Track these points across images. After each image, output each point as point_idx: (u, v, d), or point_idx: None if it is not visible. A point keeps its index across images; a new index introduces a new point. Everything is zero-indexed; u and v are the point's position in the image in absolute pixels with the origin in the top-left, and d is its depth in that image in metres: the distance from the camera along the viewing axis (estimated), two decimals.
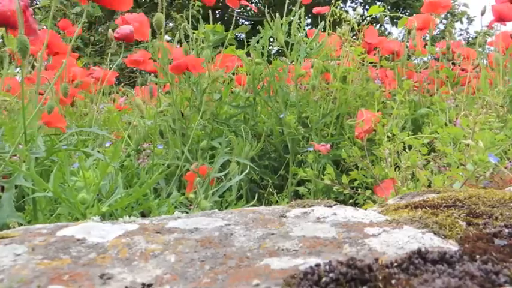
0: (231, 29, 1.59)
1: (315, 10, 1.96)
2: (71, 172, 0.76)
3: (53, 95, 1.46)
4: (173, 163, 1.34)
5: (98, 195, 0.78)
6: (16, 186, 0.86)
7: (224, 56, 1.74)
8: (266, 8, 1.67)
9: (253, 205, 0.99)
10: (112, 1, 0.96)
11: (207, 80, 1.43)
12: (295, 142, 1.52)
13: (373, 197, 1.09)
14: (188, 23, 1.52)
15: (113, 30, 1.45)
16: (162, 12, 1.31)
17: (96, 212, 0.70)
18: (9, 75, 1.63)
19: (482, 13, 1.81)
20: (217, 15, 8.48)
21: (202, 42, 1.54)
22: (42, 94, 1.32)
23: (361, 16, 1.86)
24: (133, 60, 1.80)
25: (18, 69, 1.93)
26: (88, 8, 1.02)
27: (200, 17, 1.55)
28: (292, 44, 1.60)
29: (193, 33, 1.53)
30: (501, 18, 1.78)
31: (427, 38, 2.03)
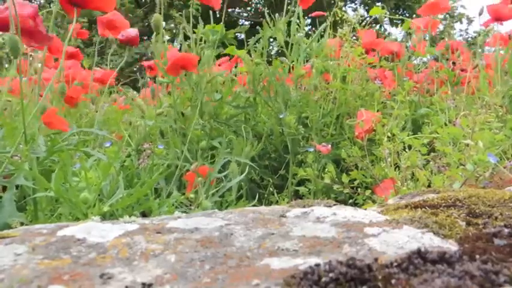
0: (230, 29, 1.59)
1: (314, 14, 1.97)
2: (73, 172, 0.76)
3: (56, 95, 1.46)
4: (173, 163, 1.34)
5: (99, 195, 0.78)
6: (17, 187, 0.86)
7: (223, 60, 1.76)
8: (266, 9, 1.67)
9: (254, 205, 0.99)
10: (95, 4, 0.95)
11: (207, 80, 1.43)
12: (295, 142, 1.52)
13: (373, 196, 1.09)
14: (188, 23, 1.52)
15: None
16: (161, 13, 1.32)
17: (98, 212, 0.70)
18: (9, 76, 1.63)
19: (480, 13, 1.81)
20: (217, 16, 8.48)
21: (202, 41, 1.54)
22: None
23: (361, 17, 1.86)
24: (148, 65, 1.85)
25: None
26: None
27: (199, 17, 1.55)
28: (292, 44, 1.60)
29: (194, 32, 1.53)
30: (498, 18, 1.78)
31: (427, 39, 2.03)
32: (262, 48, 1.59)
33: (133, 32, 1.33)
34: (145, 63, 1.94)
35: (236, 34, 1.65)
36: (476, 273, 0.33)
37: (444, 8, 1.96)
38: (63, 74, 1.67)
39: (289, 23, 1.60)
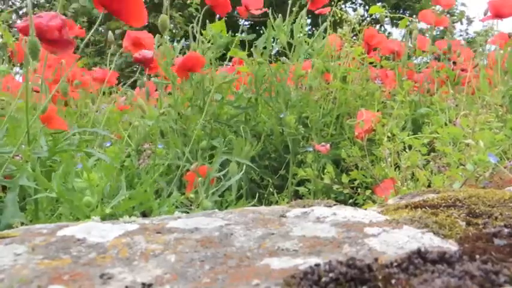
0: (231, 30, 1.59)
1: (318, 11, 1.96)
2: (74, 173, 0.76)
3: (47, 93, 1.46)
4: (174, 163, 1.34)
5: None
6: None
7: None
8: (267, 9, 1.67)
9: (254, 205, 0.99)
10: (126, 17, 0.96)
11: (210, 81, 1.44)
12: (296, 142, 1.53)
13: (373, 197, 1.09)
14: (190, 23, 1.52)
15: (112, 30, 1.45)
16: (167, 14, 1.32)
17: (100, 214, 0.70)
18: (6, 74, 1.63)
19: (485, 13, 1.80)
20: (217, 16, 8.48)
21: (206, 42, 1.54)
22: (37, 91, 1.33)
23: (361, 16, 1.86)
24: (138, 59, 1.84)
25: (16, 68, 1.93)
26: (85, 3, 1.02)
27: (200, 17, 1.55)
28: (294, 44, 1.60)
29: (196, 33, 1.54)
30: (498, 15, 1.77)
31: (428, 38, 2.03)
32: (265, 48, 1.59)
33: (149, 53, 1.35)
34: (136, 57, 1.90)
35: (236, 34, 1.65)
36: (476, 273, 0.33)
37: (447, 4, 1.96)
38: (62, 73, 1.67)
39: (291, 23, 1.60)
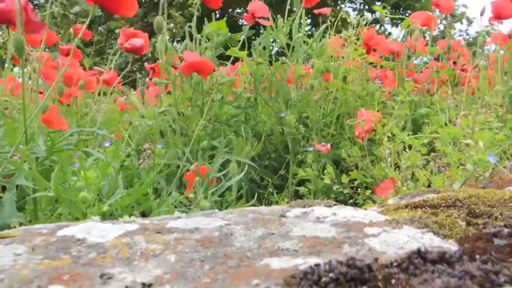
0: (231, 29, 1.59)
1: (316, 11, 1.96)
2: (72, 172, 0.76)
3: (53, 94, 1.47)
4: (174, 163, 1.34)
5: (98, 195, 0.78)
6: (16, 186, 0.86)
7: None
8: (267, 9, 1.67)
9: (254, 205, 0.99)
10: (116, 6, 0.95)
11: (210, 81, 1.44)
12: (296, 142, 1.53)
13: (373, 197, 1.09)
14: (189, 22, 1.52)
15: (112, 30, 1.45)
16: (163, 14, 1.32)
17: (97, 212, 0.70)
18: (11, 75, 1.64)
19: (482, 13, 1.81)
20: (217, 16, 8.50)
21: (205, 42, 1.54)
22: (41, 93, 1.33)
23: (361, 16, 1.87)
24: (150, 67, 1.88)
25: (16, 68, 1.94)
26: (87, 7, 1.02)
27: (200, 17, 1.55)
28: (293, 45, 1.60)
29: (196, 33, 1.54)
30: (499, 16, 1.77)
31: (427, 38, 2.03)
32: (264, 48, 1.59)
33: (139, 42, 1.34)
34: (148, 66, 1.96)
35: (236, 34, 1.65)
36: (476, 273, 0.33)
37: (447, 7, 1.96)
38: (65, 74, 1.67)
39: (290, 24, 1.61)
